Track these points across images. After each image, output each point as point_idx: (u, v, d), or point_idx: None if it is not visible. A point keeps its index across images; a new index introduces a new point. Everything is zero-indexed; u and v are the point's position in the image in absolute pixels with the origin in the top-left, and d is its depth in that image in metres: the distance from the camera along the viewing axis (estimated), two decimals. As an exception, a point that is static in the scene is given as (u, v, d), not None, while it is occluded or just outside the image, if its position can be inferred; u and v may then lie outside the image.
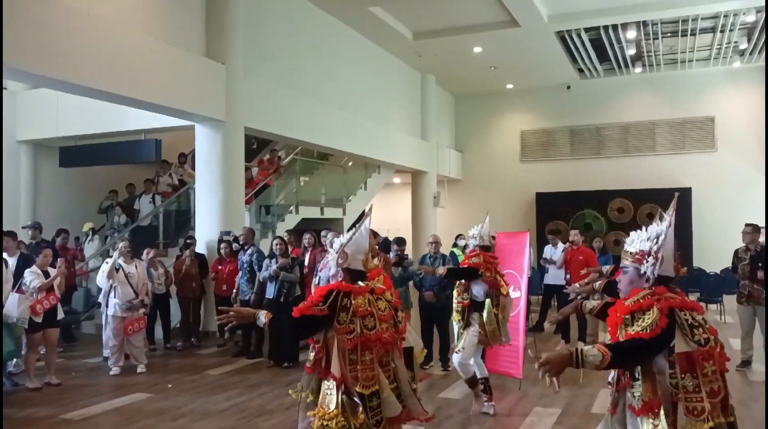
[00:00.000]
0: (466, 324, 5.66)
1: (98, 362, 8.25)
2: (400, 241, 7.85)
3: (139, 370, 7.69)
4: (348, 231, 3.47)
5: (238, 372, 7.74)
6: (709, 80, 16.78)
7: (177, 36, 9.16)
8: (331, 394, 3.11)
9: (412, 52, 14.85)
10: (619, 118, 17.67)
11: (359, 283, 3.28)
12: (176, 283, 9.28)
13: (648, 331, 2.64)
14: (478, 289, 5.66)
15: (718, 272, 12.54)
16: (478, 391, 5.78)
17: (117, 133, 11.39)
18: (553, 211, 17.30)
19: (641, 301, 2.75)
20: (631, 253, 2.91)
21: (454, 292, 5.96)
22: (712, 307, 12.32)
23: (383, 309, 3.24)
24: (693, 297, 12.08)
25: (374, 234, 7.86)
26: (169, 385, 7.06)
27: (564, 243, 10.01)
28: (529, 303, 7.31)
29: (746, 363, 7.58)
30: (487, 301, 5.61)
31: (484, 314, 5.58)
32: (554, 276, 9.81)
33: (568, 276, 9.28)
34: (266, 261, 8.49)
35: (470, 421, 5.65)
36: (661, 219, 2.94)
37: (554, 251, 10.01)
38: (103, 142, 11.70)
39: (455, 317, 5.86)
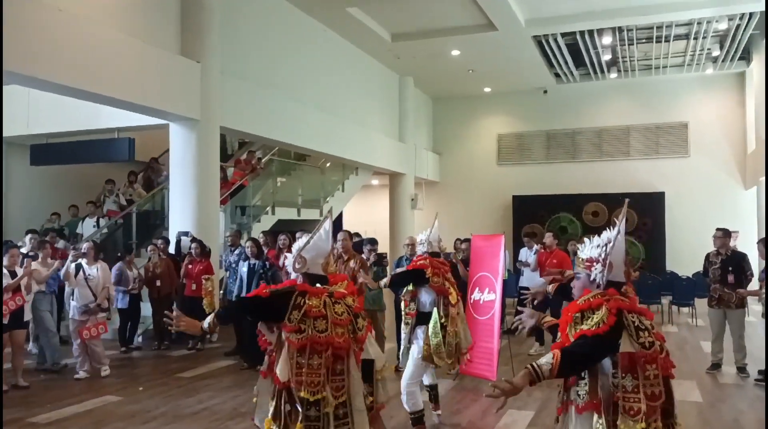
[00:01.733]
0: (409, 339, 5.20)
1: (68, 364, 8.08)
2: (373, 242, 7.83)
3: (103, 373, 7.49)
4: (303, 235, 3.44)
5: (211, 374, 7.65)
6: (682, 86, 17.04)
7: (151, 33, 9.02)
8: (272, 399, 3.09)
9: (391, 54, 14.84)
10: (594, 123, 17.86)
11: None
12: (146, 284, 9.17)
13: (593, 329, 2.69)
14: (425, 298, 5.20)
15: (690, 276, 12.71)
16: None
17: (90, 131, 11.16)
18: (530, 214, 17.41)
19: (591, 300, 2.82)
20: (582, 259, 2.99)
21: (402, 305, 5.43)
22: (684, 310, 12.50)
23: (340, 313, 3.13)
24: (665, 300, 12.27)
25: (350, 235, 7.82)
26: (140, 388, 6.95)
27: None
28: (504, 305, 7.33)
29: (716, 366, 7.68)
30: (434, 311, 5.15)
31: (430, 326, 5.10)
32: (529, 278, 9.84)
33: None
34: (240, 263, 8.44)
35: (444, 423, 5.64)
36: (614, 226, 3.00)
37: (529, 254, 10.06)
38: (76, 140, 11.47)
39: (404, 329, 5.34)
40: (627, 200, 3.14)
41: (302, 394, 2.98)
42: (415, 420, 5.12)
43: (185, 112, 9.36)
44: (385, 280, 5.32)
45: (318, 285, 3.23)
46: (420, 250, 5.49)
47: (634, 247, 16.42)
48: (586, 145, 18.01)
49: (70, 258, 7.81)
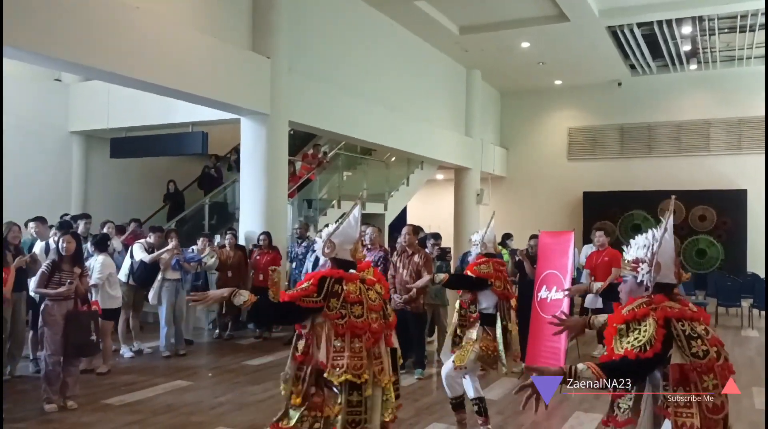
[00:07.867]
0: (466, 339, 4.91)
1: (150, 347, 8.43)
2: (436, 236, 7.79)
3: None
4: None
5: (277, 363, 7.78)
6: None
7: (223, 30, 9.25)
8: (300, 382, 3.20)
9: (458, 47, 14.66)
10: (672, 117, 17.09)
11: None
12: (218, 275, 9.40)
13: (643, 352, 2.53)
14: (487, 301, 4.95)
15: (774, 278, 12.04)
16: (463, 417, 5.02)
17: (165, 125, 11.59)
18: (601, 211, 16.85)
19: (636, 310, 2.65)
20: (628, 261, 2.86)
21: (456, 304, 5.18)
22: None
23: (373, 299, 3.26)
24: (746, 303, 11.66)
25: (415, 231, 7.76)
26: (209, 375, 7.17)
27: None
28: (572, 304, 7.15)
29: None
30: (497, 315, 4.91)
31: (497, 330, 4.85)
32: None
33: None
34: (308, 254, 8.60)
35: (507, 423, 5.55)
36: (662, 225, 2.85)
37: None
38: (153, 133, 11.93)
39: (451, 332, 5.06)
40: (674, 197, 2.99)
41: (345, 377, 3.06)
42: (455, 405, 5.00)
43: (255, 107, 9.57)
44: (442, 277, 5.06)
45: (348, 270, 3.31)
46: (474, 251, 5.27)
47: (712, 247, 15.69)
48: (663, 139, 17.27)
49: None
